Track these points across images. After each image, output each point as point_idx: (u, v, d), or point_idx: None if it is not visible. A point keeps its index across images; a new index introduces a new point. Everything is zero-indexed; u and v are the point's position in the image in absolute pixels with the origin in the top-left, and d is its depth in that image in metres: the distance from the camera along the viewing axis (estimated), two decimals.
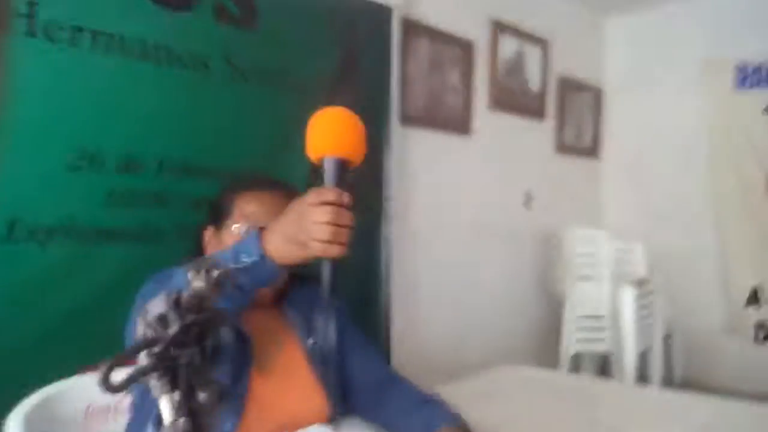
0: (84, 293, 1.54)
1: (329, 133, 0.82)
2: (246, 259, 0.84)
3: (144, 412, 0.99)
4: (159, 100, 1.70)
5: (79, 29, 1.53)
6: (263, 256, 0.83)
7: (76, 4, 1.52)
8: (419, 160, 2.61)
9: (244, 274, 0.84)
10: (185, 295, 0.48)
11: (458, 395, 1.33)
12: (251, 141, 1.90)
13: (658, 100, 3.62)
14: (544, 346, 3.22)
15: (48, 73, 1.49)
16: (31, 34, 1.45)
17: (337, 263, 0.80)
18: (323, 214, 0.78)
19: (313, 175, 2.11)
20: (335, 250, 0.79)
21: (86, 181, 1.56)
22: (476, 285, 2.92)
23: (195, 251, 1.12)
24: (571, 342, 3.00)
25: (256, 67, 1.91)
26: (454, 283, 2.80)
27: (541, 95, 3.30)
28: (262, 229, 0.86)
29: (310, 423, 1.03)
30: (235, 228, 1.07)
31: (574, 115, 3.57)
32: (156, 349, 0.43)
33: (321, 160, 0.82)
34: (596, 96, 3.74)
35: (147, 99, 1.67)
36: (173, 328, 0.45)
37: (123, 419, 1.11)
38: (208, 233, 1.13)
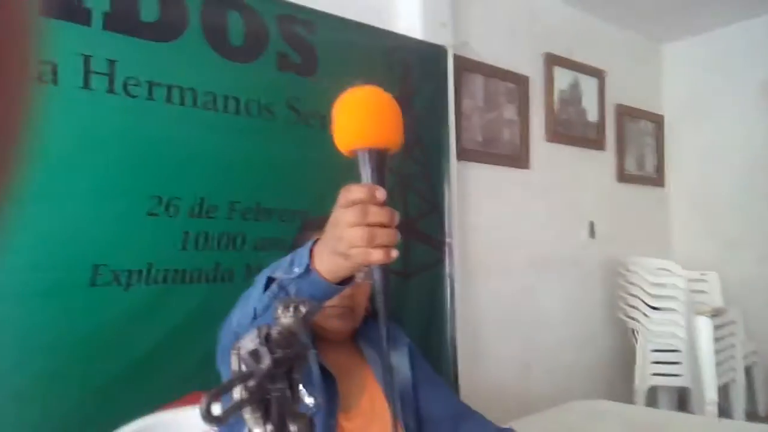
0: (162, 333, 1.61)
1: (358, 120, 0.69)
2: (297, 270, 0.78)
3: None
4: (228, 146, 1.78)
5: (156, 84, 1.64)
6: (309, 269, 0.76)
7: (151, 61, 1.63)
8: (478, 194, 2.62)
9: (296, 284, 0.78)
10: (274, 330, 0.50)
11: (533, 429, 1.31)
12: (313, 181, 1.96)
13: (721, 124, 3.52)
14: (616, 380, 3.11)
15: (127, 125, 1.58)
16: (111, 91, 1.56)
17: (387, 270, 0.69)
18: (353, 215, 0.68)
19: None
20: (377, 255, 0.67)
21: (163, 225, 1.64)
22: (542, 318, 2.87)
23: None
24: (646, 376, 2.89)
25: (316, 112, 1.98)
26: (518, 316, 2.76)
27: (600, 125, 3.27)
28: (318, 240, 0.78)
29: None
30: None
31: (635, 143, 3.51)
32: (251, 383, 0.46)
33: (354, 152, 0.71)
34: (657, 123, 3.67)
35: (217, 146, 1.75)
36: (266, 363, 0.48)
37: None
38: None
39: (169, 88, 1.66)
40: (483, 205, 2.64)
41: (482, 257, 2.62)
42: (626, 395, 2.94)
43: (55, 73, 1.47)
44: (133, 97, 1.60)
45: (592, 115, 3.22)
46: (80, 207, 1.50)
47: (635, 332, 3.00)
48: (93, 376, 1.49)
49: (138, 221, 1.60)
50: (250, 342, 0.50)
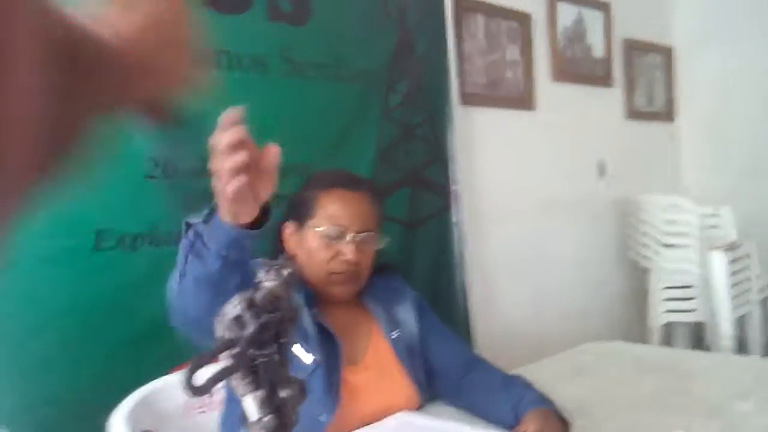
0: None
1: None
2: (204, 212, 0.85)
3: (233, 407, 1.02)
4: (223, 104, 1.73)
5: None
6: (213, 211, 0.84)
7: None
8: (484, 139, 2.56)
9: (209, 232, 0.84)
10: (258, 295, 0.48)
11: (544, 374, 1.30)
12: (313, 135, 1.92)
13: (738, 49, 3.39)
14: (630, 320, 3.11)
15: None
16: None
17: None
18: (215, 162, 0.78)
19: (379, 157, 2.12)
20: (230, 187, 0.77)
21: (164, 187, 1.62)
22: (553, 261, 2.85)
23: (274, 247, 1.14)
24: (660, 313, 2.89)
25: (312, 62, 1.92)
26: (529, 260, 2.74)
27: (606, 61, 3.17)
28: None
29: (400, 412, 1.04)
30: (320, 230, 1.07)
31: (644, 78, 3.41)
32: (235, 350, 0.44)
33: None
34: (666, 55, 3.56)
35: (210, 104, 1.71)
36: (250, 329, 0.46)
37: (218, 412, 1.15)
38: (288, 229, 1.13)
39: None
40: (489, 150, 2.59)
41: (490, 202, 2.59)
42: (641, 335, 2.95)
43: None
44: None
45: (599, 51, 3.12)
46: (76, 176, 1.48)
47: (648, 271, 2.98)
48: (108, 338, 1.50)
49: (137, 185, 1.58)
50: (233, 308, 0.48)
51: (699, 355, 1.68)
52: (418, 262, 2.21)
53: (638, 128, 3.39)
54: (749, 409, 1.01)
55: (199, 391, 0.41)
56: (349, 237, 1.07)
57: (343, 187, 1.11)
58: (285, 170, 1.84)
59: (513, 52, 2.72)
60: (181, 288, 0.84)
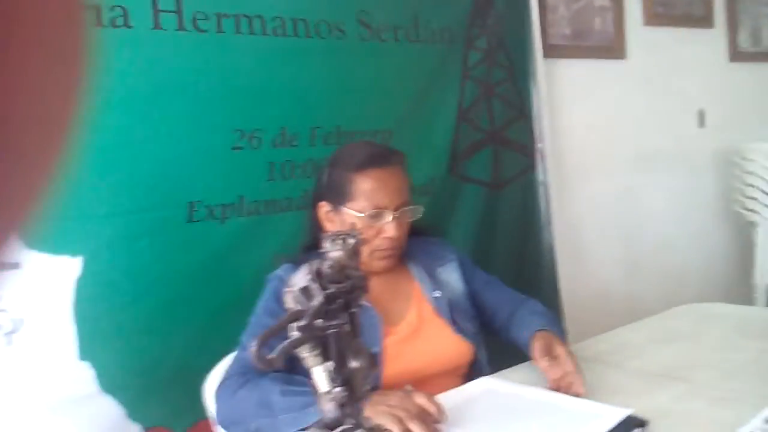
0: (259, 262, 1.66)
1: None
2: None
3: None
4: (303, 71, 1.75)
5: (223, 16, 1.61)
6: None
7: None
8: (570, 93, 2.45)
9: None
10: (326, 265, 0.48)
11: (636, 338, 1.25)
12: (393, 99, 1.91)
13: None
14: (733, 279, 2.93)
15: (200, 61, 1.59)
16: (181, 28, 1.55)
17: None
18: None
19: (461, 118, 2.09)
20: None
21: (248, 158, 1.66)
22: (648, 218, 2.72)
23: (311, 225, 1.18)
24: (766, 270, 2.70)
25: (389, 25, 1.89)
26: (622, 218, 2.63)
27: None
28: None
29: (451, 368, 1.10)
30: (361, 215, 1.11)
31: (749, 15, 3.12)
32: (302, 322, 0.44)
33: None
34: None
35: (292, 72, 1.73)
36: (317, 300, 0.46)
37: None
38: (324, 208, 1.16)
39: (237, 18, 1.63)
40: (576, 105, 2.47)
41: (578, 160, 2.48)
42: (745, 295, 2.77)
43: (126, 16, 1.48)
44: (203, 31, 1.59)
45: None
46: (166, 148, 1.54)
47: (755, 225, 2.78)
48: (201, 306, 1.58)
49: (224, 156, 1.63)
50: (301, 279, 0.48)
51: None
52: (502, 224, 2.17)
53: (743, 71, 3.12)
54: None
55: (269, 363, 0.42)
56: (389, 216, 1.10)
57: (377, 166, 1.12)
58: (366, 136, 1.86)
59: None
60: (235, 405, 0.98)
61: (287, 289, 0.48)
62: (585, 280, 2.46)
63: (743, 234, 2.90)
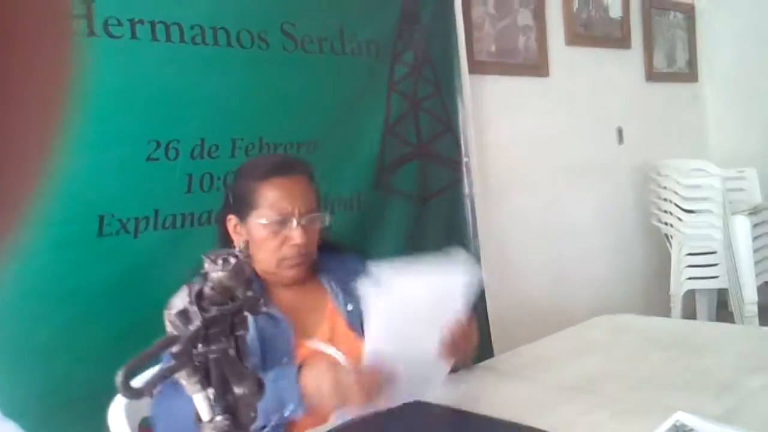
0: (176, 278, 1.59)
1: None
2: (288, 413, 0.92)
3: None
4: (224, 82, 1.70)
5: (138, 22, 1.55)
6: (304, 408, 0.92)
7: None
8: (495, 108, 2.50)
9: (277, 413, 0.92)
10: (207, 287, 0.46)
11: (551, 350, 1.27)
12: (317, 111, 1.88)
13: (762, 9, 3.25)
14: (652, 288, 3.05)
15: (112, 68, 1.52)
16: (91, 33, 1.49)
17: None
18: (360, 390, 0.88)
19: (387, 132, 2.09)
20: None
21: (164, 170, 1.60)
22: (570, 231, 2.80)
23: (221, 241, 1.18)
24: (682, 281, 2.82)
25: (313, 36, 1.87)
26: (546, 231, 2.69)
27: (624, 21, 3.06)
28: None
29: None
30: (264, 222, 1.10)
31: (664, 38, 3.29)
32: (176, 348, 0.42)
33: None
34: (687, 13, 3.42)
35: (212, 83, 1.68)
36: (195, 324, 0.43)
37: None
38: (232, 222, 1.16)
39: (153, 24, 1.57)
40: (501, 119, 2.52)
41: (504, 174, 2.53)
42: (663, 303, 2.89)
43: None
44: (116, 38, 1.53)
45: (615, 11, 3.01)
46: (79, 160, 1.46)
47: (669, 237, 2.91)
48: (112, 324, 1.50)
49: (139, 168, 1.56)
50: (180, 301, 0.45)
51: (715, 326, 1.63)
52: (429, 237, 2.17)
53: (659, 90, 3.28)
54: (762, 384, 0.97)
55: (136, 394, 0.39)
56: (294, 222, 1.10)
57: (279, 174, 1.13)
58: (291, 149, 1.83)
59: (525, 17, 2.63)
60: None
61: (167, 312, 0.45)
62: (511, 292, 2.50)
63: (660, 246, 3.02)
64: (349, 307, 1.15)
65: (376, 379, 0.89)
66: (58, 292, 1.42)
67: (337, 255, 1.24)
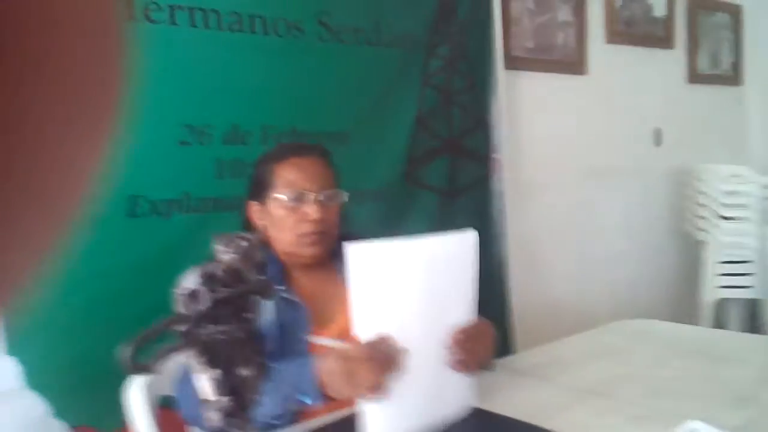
0: (202, 260, 1.63)
1: None
2: (306, 401, 0.93)
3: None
4: (258, 69, 1.72)
5: (177, 8, 1.58)
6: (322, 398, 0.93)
7: None
8: (530, 105, 2.47)
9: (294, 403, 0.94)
10: (219, 269, 0.47)
11: (570, 352, 1.26)
12: (350, 102, 1.89)
13: None
14: (681, 295, 2.99)
15: (150, 53, 1.55)
16: (131, 17, 1.52)
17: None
18: (370, 373, 0.89)
19: (418, 125, 2.09)
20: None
21: (196, 154, 1.63)
22: (601, 232, 2.75)
23: (244, 227, 1.19)
24: (713, 288, 2.76)
25: (349, 27, 1.88)
26: (576, 232, 2.66)
27: (668, 20, 2.98)
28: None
29: None
30: (281, 197, 1.12)
31: (709, 39, 3.20)
32: (183, 327, 0.43)
33: None
34: (735, 15, 3.32)
35: (247, 70, 1.70)
36: (203, 304, 0.44)
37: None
38: (254, 209, 1.18)
39: (191, 10, 1.60)
40: (535, 117, 2.49)
41: (535, 171, 2.50)
42: (693, 311, 2.83)
43: None
44: (155, 22, 1.56)
45: (659, 10, 2.94)
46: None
47: (703, 244, 2.84)
48: (138, 304, 1.53)
49: (171, 151, 1.59)
50: (190, 281, 0.47)
51: (741, 336, 1.59)
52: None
53: (701, 93, 3.20)
54: None
55: (140, 369, 0.40)
56: (311, 197, 1.12)
57: (296, 155, 1.16)
58: (322, 138, 1.85)
59: (565, 13, 2.59)
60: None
61: (177, 292, 0.46)
62: (536, 291, 2.48)
63: (692, 252, 2.96)
64: None
65: (385, 356, 0.89)
66: (85, 271, 1.46)
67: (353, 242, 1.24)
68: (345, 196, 1.19)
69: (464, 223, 2.14)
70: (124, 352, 0.39)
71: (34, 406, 1.36)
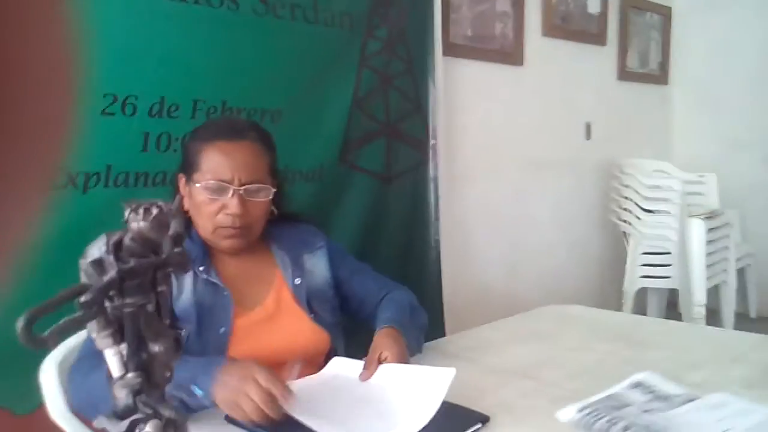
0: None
1: None
2: (198, 392, 0.89)
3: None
4: (189, 40, 1.65)
5: None
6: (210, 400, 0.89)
7: None
8: (467, 93, 2.48)
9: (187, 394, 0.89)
10: (127, 237, 0.43)
11: (498, 335, 1.28)
12: (284, 79, 1.84)
13: (734, 19, 3.31)
14: (606, 283, 3.10)
15: (71, 17, 1.45)
16: None
17: None
18: (257, 393, 0.84)
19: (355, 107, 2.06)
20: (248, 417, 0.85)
21: (120, 125, 1.55)
22: (532, 221, 2.82)
23: (172, 196, 1.13)
24: (635, 278, 2.88)
25: (286, 2, 1.82)
26: (508, 220, 2.70)
27: (602, 18, 3.07)
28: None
29: (305, 357, 1.06)
30: (200, 185, 1.07)
31: (639, 38, 3.31)
32: (83, 299, 0.39)
33: None
34: (665, 15, 3.45)
35: (176, 40, 1.62)
36: (109, 275, 0.41)
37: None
38: (181, 181, 1.13)
39: None
40: (472, 105, 2.51)
41: (470, 159, 2.53)
42: (616, 298, 2.94)
43: None
44: None
45: (594, 7, 3.02)
46: None
47: (627, 235, 2.96)
48: (55, 279, 1.45)
49: (93, 121, 1.51)
50: (96, 250, 0.43)
51: (660, 322, 1.66)
52: (390, 217, 2.16)
53: (630, 90, 3.31)
54: (698, 380, 0.98)
55: (38, 343, 0.37)
56: (232, 190, 1.06)
57: (225, 138, 1.09)
58: (255, 114, 1.79)
59: (503, 4, 2.62)
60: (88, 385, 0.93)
61: (82, 261, 0.42)
62: (468, 277, 2.51)
63: (617, 243, 3.07)
64: (297, 281, 1.13)
65: (280, 393, 0.86)
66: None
67: (292, 225, 1.21)
68: (271, 192, 1.12)
69: (399, 207, 2.16)
70: (19, 323, 0.35)
71: None
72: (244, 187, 1.06)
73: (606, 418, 0.79)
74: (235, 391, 0.86)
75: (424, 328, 1.17)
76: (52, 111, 1.45)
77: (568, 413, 0.83)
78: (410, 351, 1.06)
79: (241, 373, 0.87)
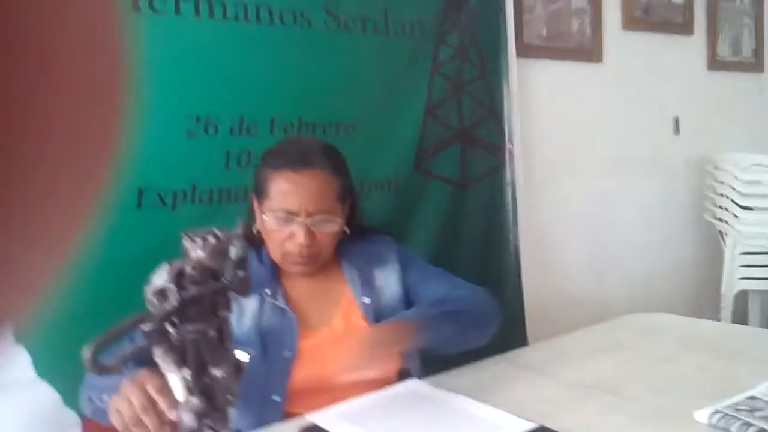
0: None
1: None
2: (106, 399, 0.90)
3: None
4: (265, 60, 1.71)
5: None
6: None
7: None
8: (543, 94, 2.42)
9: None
10: (188, 266, 0.45)
11: (578, 344, 1.24)
12: (357, 91, 1.87)
13: None
14: (701, 287, 2.93)
15: (155, 44, 1.54)
16: (135, 8, 1.51)
17: None
18: (138, 399, 0.81)
19: (428, 114, 2.06)
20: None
21: (203, 145, 1.62)
22: (617, 224, 2.71)
23: (249, 217, 1.17)
24: (734, 280, 2.70)
25: (357, 16, 1.85)
26: (591, 224, 2.61)
27: (687, 6, 2.90)
28: None
29: (373, 380, 1.02)
30: (268, 217, 1.09)
31: (730, 24, 3.11)
32: (148, 327, 0.41)
33: None
34: (756, 1, 3.23)
35: (254, 61, 1.69)
36: (170, 303, 0.43)
37: None
38: (255, 203, 1.16)
39: (196, 0, 1.59)
40: (549, 106, 2.45)
41: (549, 161, 2.46)
42: (713, 303, 2.77)
43: None
44: (160, 13, 1.55)
45: None
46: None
47: (723, 235, 2.78)
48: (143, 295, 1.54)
49: (178, 143, 1.59)
50: (159, 279, 0.45)
51: (758, 332, 1.55)
52: (467, 224, 2.14)
53: (721, 80, 3.11)
54: None
55: (104, 370, 0.39)
56: (299, 221, 1.06)
57: (292, 168, 1.09)
58: (330, 129, 1.83)
59: (579, 0, 2.54)
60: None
61: (147, 290, 0.45)
62: (550, 283, 2.44)
63: (713, 243, 2.90)
64: (366, 300, 1.11)
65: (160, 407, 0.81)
66: (92, 261, 1.46)
67: (365, 239, 1.20)
68: (337, 225, 1.11)
69: (476, 214, 2.14)
70: (85, 351, 0.38)
71: (45, 396, 1.37)
72: (310, 219, 1.07)
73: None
74: (119, 395, 0.82)
75: (465, 330, 1.08)
76: (135, 135, 1.54)
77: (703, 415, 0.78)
78: (428, 349, 1.03)
79: (132, 378, 0.83)
